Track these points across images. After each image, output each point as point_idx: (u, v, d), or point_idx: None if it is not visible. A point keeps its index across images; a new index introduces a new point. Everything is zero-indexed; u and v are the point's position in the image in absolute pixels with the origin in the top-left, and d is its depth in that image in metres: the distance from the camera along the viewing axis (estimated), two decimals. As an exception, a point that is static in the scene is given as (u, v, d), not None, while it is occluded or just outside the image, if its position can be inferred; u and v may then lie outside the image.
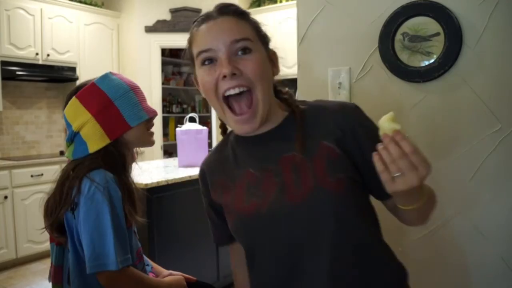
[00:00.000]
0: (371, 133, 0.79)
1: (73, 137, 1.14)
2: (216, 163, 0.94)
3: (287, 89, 0.91)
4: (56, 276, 1.13)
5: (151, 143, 1.21)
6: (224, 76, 0.78)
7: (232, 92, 0.79)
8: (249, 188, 0.85)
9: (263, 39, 0.85)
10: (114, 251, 0.99)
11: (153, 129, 1.23)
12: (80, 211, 1.03)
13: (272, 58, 0.87)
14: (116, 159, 1.10)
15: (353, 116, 0.84)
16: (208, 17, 0.82)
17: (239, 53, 0.79)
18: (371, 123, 0.85)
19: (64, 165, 1.17)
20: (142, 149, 1.30)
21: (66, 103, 1.17)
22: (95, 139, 1.10)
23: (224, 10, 0.82)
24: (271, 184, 0.82)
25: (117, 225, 1.03)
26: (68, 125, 1.16)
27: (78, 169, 1.08)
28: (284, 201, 0.80)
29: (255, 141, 0.87)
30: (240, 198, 0.85)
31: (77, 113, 1.13)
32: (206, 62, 0.81)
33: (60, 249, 1.13)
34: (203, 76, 0.82)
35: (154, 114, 1.19)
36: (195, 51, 0.82)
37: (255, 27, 0.84)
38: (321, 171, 0.79)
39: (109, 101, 1.11)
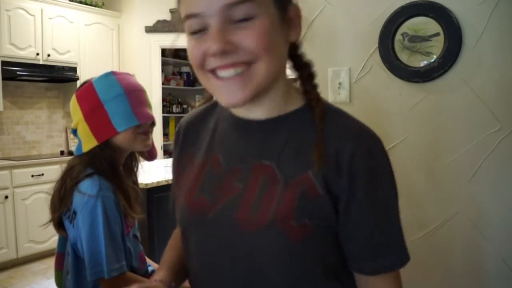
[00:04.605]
0: (375, 195, 0.61)
1: (75, 133, 1.18)
2: (195, 128, 0.75)
3: (311, 71, 0.69)
4: (57, 263, 1.17)
5: (143, 147, 1.18)
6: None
7: (224, 73, 0.59)
8: (206, 177, 0.68)
9: None
10: (105, 260, 1.01)
11: (153, 133, 1.23)
12: (77, 220, 1.05)
13: (290, 18, 0.62)
14: (102, 162, 1.10)
15: (366, 159, 0.60)
16: None
17: (238, 20, 0.57)
18: (386, 181, 0.63)
19: (65, 165, 1.19)
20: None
21: None
22: (85, 140, 1.13)
23: None
24: (230, 187, 0.65)
25: (110, 233, 1.04)
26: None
27: (73, 173, 1.10)
28: (233, 219, 0.63)
29: (241, 124, 0.67)
30: (193, 186, 0.69)
31: (74, 111, 1.15)
32: (194, 30, 0.59)
33: (63, 239, 1.16)
34: (189, 47, 0.61)
35: (147, 120, 1.15)
36: (182, 12, 0.60)
37: None
38: (288, 207, 0.60)
39: (99, 103, 1.11)
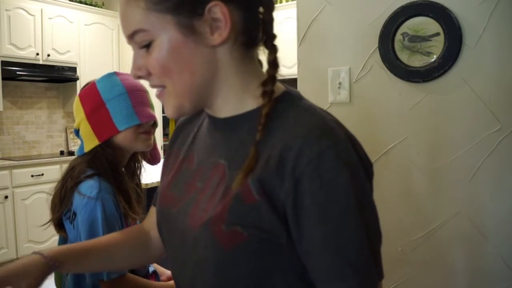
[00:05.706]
0: (324, 203, 0.52)
1: (77, 134, 1.18)
2: (188, 126, 0.77)
3: (269, 72, 0.61)
4: None
5: (144, 147, 1.17)
6: None
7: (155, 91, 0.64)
8: (181, 174, 0.70)
9: (174, 2, 0.56)
10: None
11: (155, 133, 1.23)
12: (77, 222, 1.05)
13: (210, 20, 0.57)
14: (103, 162, 1.10)
15: (314, 160, 0.52)
16: None
17: (143, 46, 0.60)
18: (338, 189, 0.53)
19: (65, 165, 1.19)
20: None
21: None
22: (87, 139, 1.13)
23: None
24: (192, 186, 0.65)
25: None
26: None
27: (74, 173, 1.10)
28: (187, 216, 0.63)
29: (211, 122, 0.67)
30: (169, 182, 0.72)
31: (77, 111, 1.16)
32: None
33: (63, 239, 1.16)
34: None
35: (148, 119, 1.15)
36: None
37: None
38: (222, 210, 0.57)
39: (102, 102, 1.12)
